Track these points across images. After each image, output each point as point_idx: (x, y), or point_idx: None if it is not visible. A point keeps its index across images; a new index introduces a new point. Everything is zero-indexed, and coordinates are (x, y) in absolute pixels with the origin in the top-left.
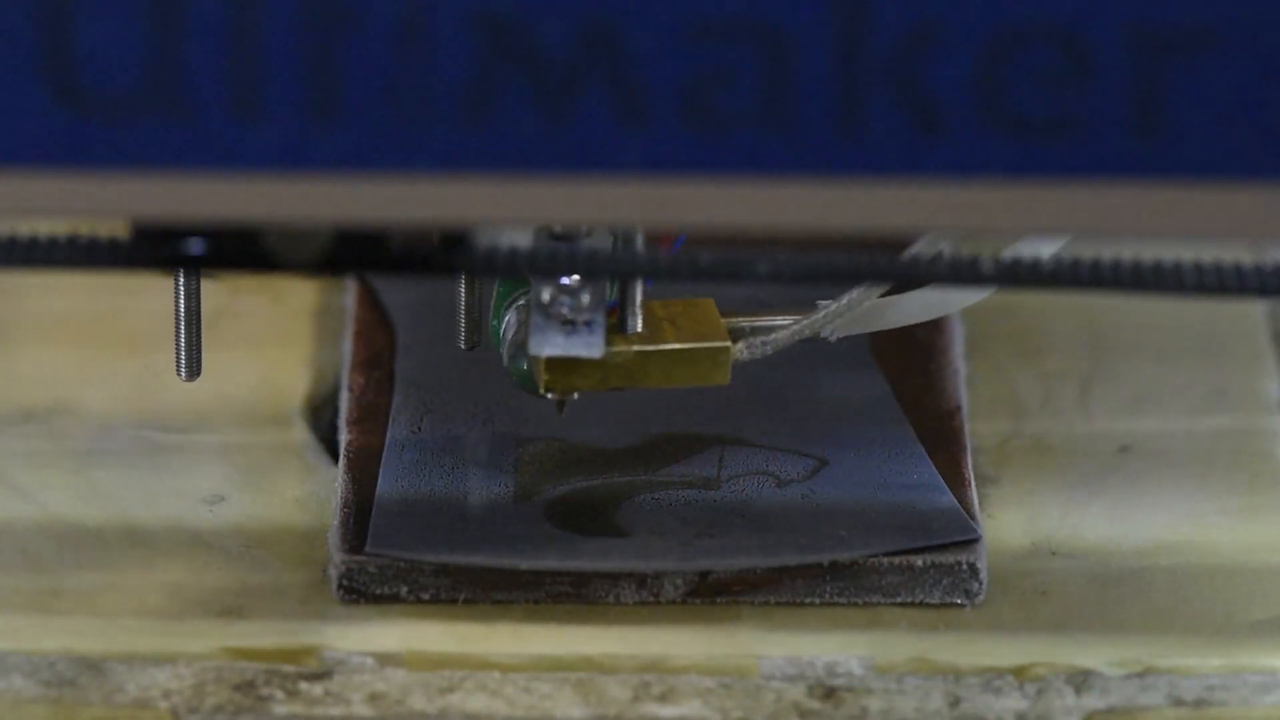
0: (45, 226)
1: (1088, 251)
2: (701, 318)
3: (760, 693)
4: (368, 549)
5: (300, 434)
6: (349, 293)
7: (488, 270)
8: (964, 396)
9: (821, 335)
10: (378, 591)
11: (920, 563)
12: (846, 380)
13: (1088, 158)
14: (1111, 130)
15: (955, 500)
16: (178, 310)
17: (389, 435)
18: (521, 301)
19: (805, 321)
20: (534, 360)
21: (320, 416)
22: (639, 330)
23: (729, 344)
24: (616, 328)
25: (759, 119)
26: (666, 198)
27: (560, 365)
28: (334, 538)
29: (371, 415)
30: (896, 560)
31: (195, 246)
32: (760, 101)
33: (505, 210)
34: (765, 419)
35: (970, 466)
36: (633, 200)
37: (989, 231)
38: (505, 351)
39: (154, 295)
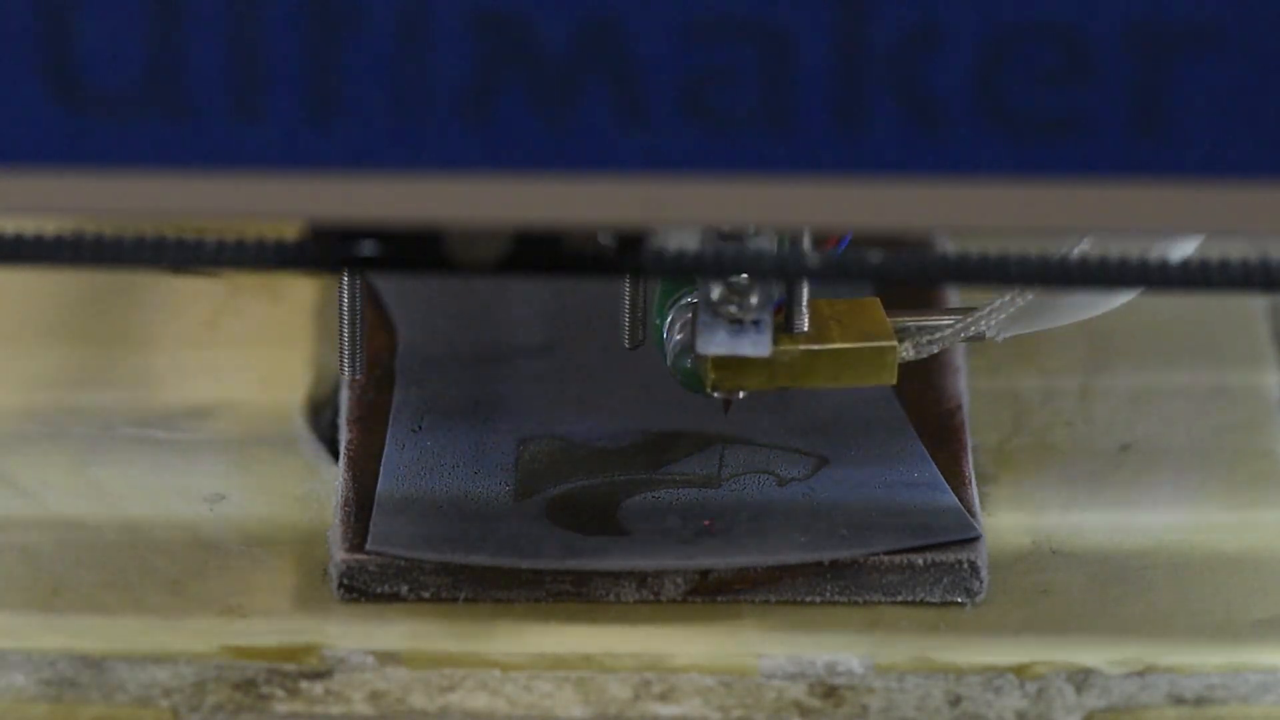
0: (62, 225)
1: (1089, 250)
2: (867, 317)
3: (761, 691)
4: (368, 548)
5: (300, 433)
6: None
7: (661, 271)
8: (965, 395)
9: (986, 335)
10: (378, 590)
11: (921, 561)
12: None
13: (1088, 156)
14: (1112, 128)
15: (956, 499)
16: (341, 311)
17: (389, 434)
18: (686, 299)
19: (968, 320)
20: (700, 359)
21: (320, 416)
22: (805, 329)
23: (895, 343)
24: (783, 327)
25: (759, 117)
26: (667, 196)
27: (727, 364)
28: (334, 536)
29: (372, 414)
30: (897, 559)
31: (372, 248)
32: (760, 100)
33: (505, 209)
34: (766, 417)
35: (971, 465)
36: (633, 199)
37: (989, 230)
38: (670, 350)
39: (154, 295)
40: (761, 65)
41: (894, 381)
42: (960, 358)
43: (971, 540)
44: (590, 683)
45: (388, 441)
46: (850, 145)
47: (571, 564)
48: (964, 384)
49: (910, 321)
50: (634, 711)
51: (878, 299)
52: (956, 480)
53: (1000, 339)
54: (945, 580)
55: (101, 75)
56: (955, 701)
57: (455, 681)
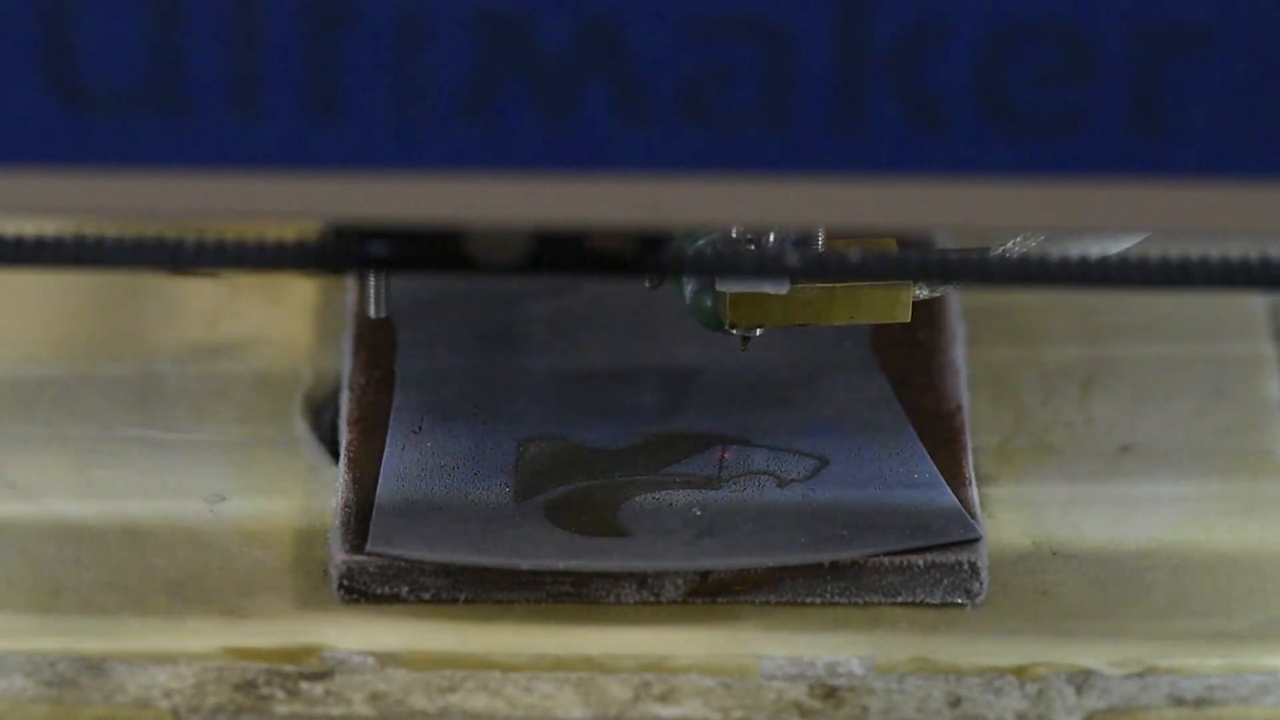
0: (116, 228)
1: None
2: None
3: (761, 692)
4: (368, 549)
5: (300, 434)
6: (349, 292)
7: (683, 272)
8: (965, 396)
9: None
10: (378, 591)
11: (921, 562)
12: (847, 380)
13: (1088, 154)
14: (1112, 127)
15: (956, 500)
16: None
17: (389, 435)
18: (706, 238)
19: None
20: (719, 296)
21: (320, 416)
22: None
23: (909, 282)
24: None
25: (759, 116)
26: (667, 195)
27: (745, 301)
28: (334, 537)
29: (372, 415)
30: (897, 560)
31: (393, 249)
32: (760, 99)
33: (504, 208)
34: (766, 419)
35: (971, 466)
36: (633, 198)
37: (990, 229)
38: (689, 288)
39: (154, 295)
40: (761, 65)
41: (908, 319)
42: (960, 359)
43: (972, 541)
44: (590, 684)
45: (388, 443)
46: (850, 145)
47: (572, 565)
48: (964, 385)
49: None
50: (634, 712)
51: (893, 239)
52: (957, 481)
53: None
54: (945, 581)
55: (101, 75)
56: (955, 703)
57: (455, 682)
